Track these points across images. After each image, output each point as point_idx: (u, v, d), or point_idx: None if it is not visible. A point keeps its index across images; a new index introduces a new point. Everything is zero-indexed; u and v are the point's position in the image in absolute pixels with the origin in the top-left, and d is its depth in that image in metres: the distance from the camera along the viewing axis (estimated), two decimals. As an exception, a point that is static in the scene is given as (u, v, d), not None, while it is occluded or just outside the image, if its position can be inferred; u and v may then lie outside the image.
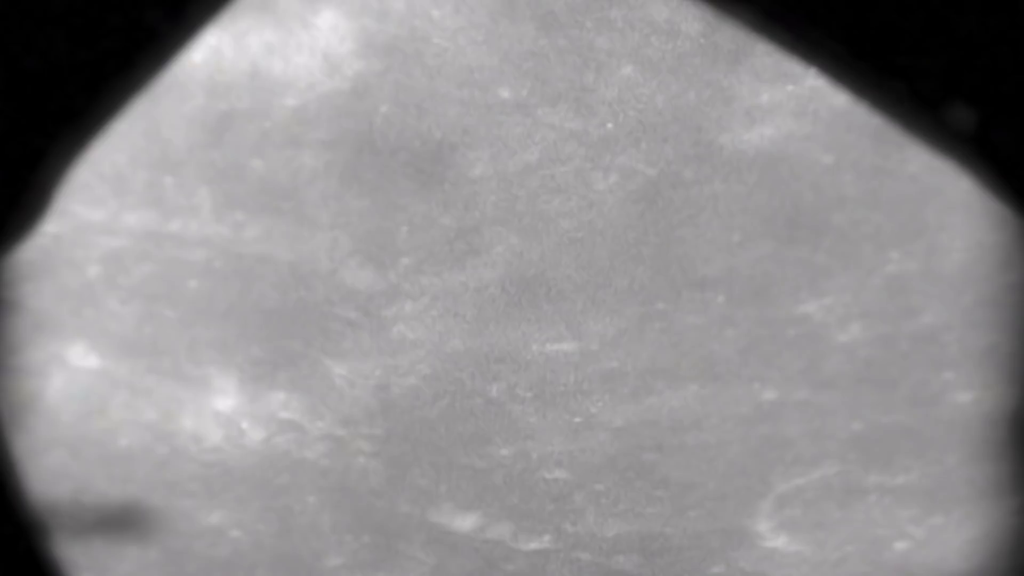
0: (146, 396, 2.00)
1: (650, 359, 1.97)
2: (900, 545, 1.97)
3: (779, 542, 1.98)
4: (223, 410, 2.00)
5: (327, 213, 1.97)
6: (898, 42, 1.87)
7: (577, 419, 1.98)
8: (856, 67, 1.81)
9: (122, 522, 2.02)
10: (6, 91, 1.83)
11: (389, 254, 1.98)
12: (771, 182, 1.95)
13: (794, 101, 1.94)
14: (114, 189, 1.99)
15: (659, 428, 1.97)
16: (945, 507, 1.96)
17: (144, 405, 2.00)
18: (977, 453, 1.96)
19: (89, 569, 2.02)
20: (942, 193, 1.94)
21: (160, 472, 2.00)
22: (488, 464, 1.99)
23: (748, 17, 1.86)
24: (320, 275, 1.99)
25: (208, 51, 1.96)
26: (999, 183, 1.89)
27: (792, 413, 1.96)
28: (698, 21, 1.93)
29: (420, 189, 1.96)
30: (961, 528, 1.96)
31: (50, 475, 2.00)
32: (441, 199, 1.96)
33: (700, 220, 1.96)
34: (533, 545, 2.00)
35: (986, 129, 1.81)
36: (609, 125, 1.93)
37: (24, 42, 1.90)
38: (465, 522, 2.00)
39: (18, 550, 1.99)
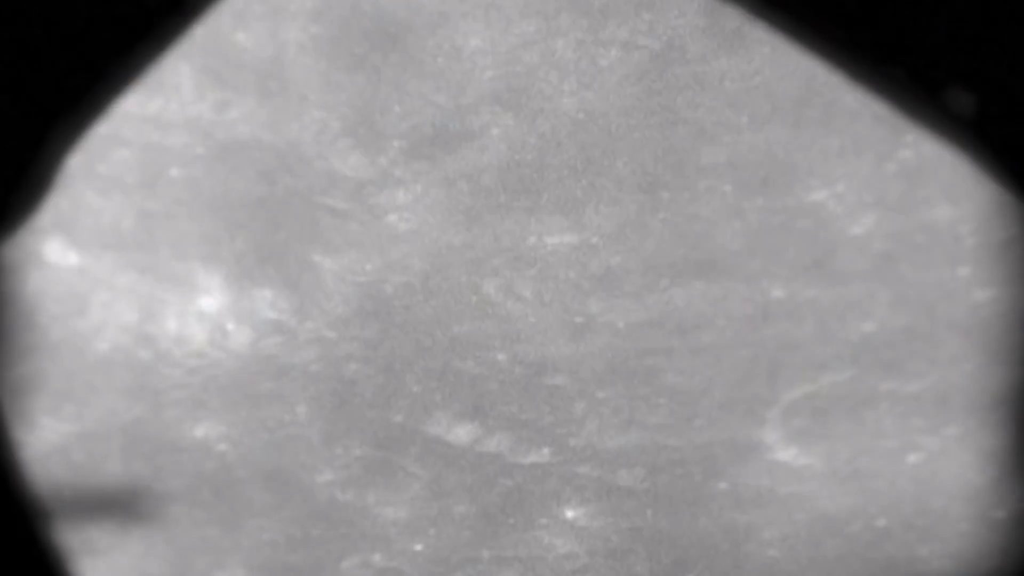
0: (127, 295, 1.96)
1: (653, 254, 1.93)
2: (913, 457, 1.93)
3: (787, 454, 1.94)
4: (207, 310, 1.96)
5: (314, 91, 1.93)
6: (897, 26, 1.83)
7: (577, 319, 1.94)
8: (856, 52, 1.79)
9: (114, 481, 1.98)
10: (6, 79, 1.81)
11: (380, 136, 1.93)
12: (780, 58, 1.90)
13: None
14: (90, 66, 1.95)
15: (663, 329, 1.93)
16: (961, 416, 1.92)
17: (125, 305, 1.96)
18: (995, 357, 1.91)
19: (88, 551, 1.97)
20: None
21: (143, 378, 1.96)
22: (485, 370, 1.95)
23: (749, 3, 1.82)
24: (307, 160, 1.94)
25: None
26: (997, 167, 1.85)
27: (801, 313, 1.92)
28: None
29: (412, 64, 1.92)
30: (977, 439, 1.92)
31: (27, 384, 1.95)
32: (434, 75, 1.92)
33: (705, 100, 1.91)
34: (532, 458, 1.96)
35: (985, 113, 1.78)
36: (610, -7, 1.89)
37: (24, 30, 1.87)
38: (461, 433, 1.96)
39: (17, 531, 1.96)
